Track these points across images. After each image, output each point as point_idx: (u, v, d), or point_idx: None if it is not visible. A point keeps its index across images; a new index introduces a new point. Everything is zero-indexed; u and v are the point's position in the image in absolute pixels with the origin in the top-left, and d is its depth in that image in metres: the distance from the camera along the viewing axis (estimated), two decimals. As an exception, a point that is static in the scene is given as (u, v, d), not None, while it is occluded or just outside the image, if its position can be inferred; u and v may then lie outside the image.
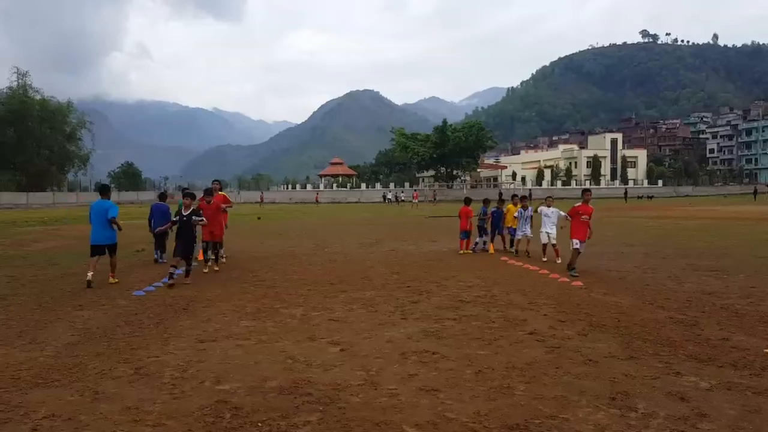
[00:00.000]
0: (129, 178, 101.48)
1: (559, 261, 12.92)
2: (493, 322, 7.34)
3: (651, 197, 76.62)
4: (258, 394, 4.80)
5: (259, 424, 4.17)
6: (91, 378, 5.28)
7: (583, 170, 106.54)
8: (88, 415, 4.40)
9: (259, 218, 35.29)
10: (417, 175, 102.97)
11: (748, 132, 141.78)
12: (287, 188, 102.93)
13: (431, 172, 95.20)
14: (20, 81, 72.50)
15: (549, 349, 6.04)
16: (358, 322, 7.43)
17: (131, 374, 5.38)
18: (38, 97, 73.80)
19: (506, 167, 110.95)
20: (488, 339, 6.48)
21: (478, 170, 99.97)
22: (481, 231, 16.00)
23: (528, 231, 14.66)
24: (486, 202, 16.22)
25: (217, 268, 12.45)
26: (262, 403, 4.59)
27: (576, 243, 11.50)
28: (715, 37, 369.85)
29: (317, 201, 74.86)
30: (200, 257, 14.18)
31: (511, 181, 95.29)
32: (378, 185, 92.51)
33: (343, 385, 4.99)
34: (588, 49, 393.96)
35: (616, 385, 4.91)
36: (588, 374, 5.21)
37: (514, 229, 15.16)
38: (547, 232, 13.50)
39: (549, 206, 13.86)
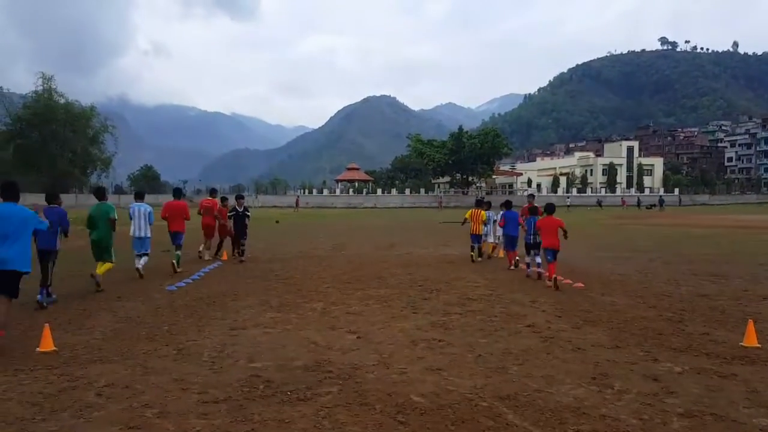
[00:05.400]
0: (148, 180, 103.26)
1: None
2: (495, 316, 8.06)
3: (652, 206, 68.26)
4: (286, 371, 5.55)
5: (288, 393, 4.92)
6: (139, 356, 6.06)
7: (598, 178, 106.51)
8: (142, 384, 5.17)
9: (277, 222, 36.22)
10: (432, 181, 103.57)
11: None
12: (304, 192, 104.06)
13: (447, 178, 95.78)
14: (45, 85, 74.39)
15: (543, 339, 6.75)
16: (373, 315, 8.17)
17: (174, 354, 6.16)
18: (62, 101, 75.66)
19: (522, 174, 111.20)
20: (489, 330, 7.20)
21: (494, 177, 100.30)
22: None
23: None
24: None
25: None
26: (290, 378, 5.34)
27: None
28: (735, 44, 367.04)
29: (297, 205, 68.27)
30: (224, 257, 15.06)
31: (526, 188, 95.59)
32: (394, 191, 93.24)
33: (359, 365, 5.72)
34: (606, 56, 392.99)
35: (599, 368, 5.60)
36: (575, 359, 5.90)
37: None
38: None
39: None
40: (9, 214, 6.77)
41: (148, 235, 12.04)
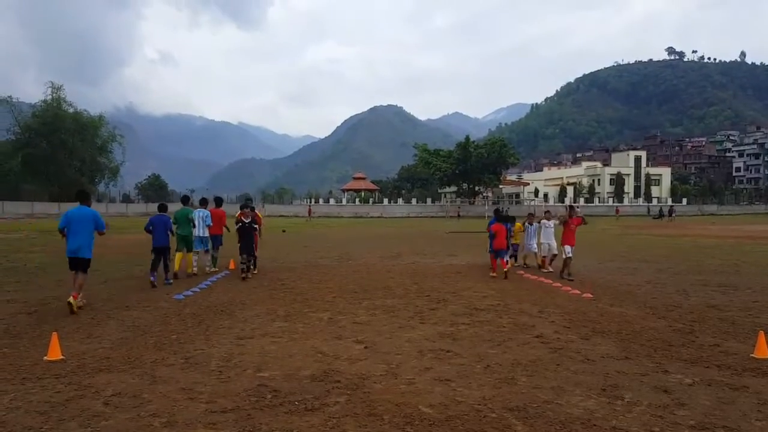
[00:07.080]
0: (155, 190, 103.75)
1: None
2: (503, 326, 8.01)
3: (661, 216, 68.09)
4: (294, 381, 5.53)
5: (296, 403, 4.90)
6: (147, 365, 6.06)
7: (606, 188, 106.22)
8: (150, 394, 5.16)
9: (284, 231, 36.26)
10: (439, 190, 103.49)
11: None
12: (310, 202, 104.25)
13: (453, 188, 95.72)
14: (54, 95, 75.10)
15: (552, 349, 6.70)
16: (380, 325, 8.14)
17: (182, 363, 6.14)
18: (71, 110, 76.34)
19: (528, 184, 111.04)
20: (498, 341, 7.16)
21: (501, 186, 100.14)
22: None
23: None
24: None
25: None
26: (297, 387, 5.32)
27: None
28: (743, 54, 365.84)
29: (309, 215, 70.55)
30: (232, 266, 15.08)
31: (533, 198, 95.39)
32: (400, 200, 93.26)
33: (367, 375, 5.70)
34: (613, 66, 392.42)
35: (609, 379, 5.55)
36: (585, 371, 5.85)
37: None
38: None
39: None
40: (82, 215, 9.40)
41: (207, 234, 14.33)
